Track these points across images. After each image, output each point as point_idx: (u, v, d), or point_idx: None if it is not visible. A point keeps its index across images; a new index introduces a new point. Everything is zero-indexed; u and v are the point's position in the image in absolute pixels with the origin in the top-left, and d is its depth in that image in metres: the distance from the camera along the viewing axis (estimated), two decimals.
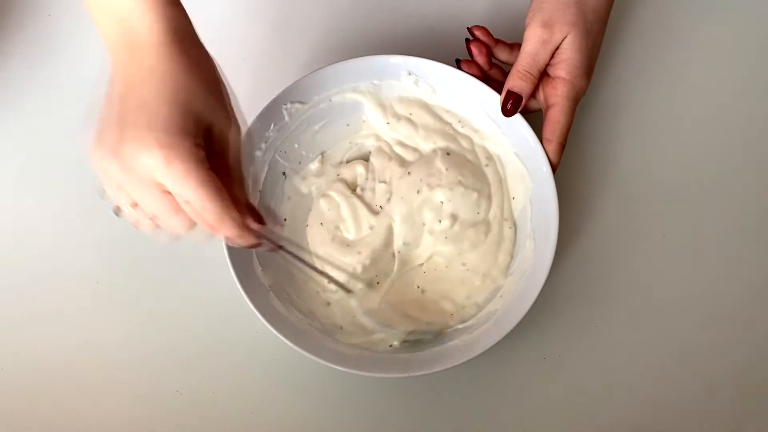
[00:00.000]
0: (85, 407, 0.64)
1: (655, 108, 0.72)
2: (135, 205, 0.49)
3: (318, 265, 0.65)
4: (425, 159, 0.66)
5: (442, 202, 0.65)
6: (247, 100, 0.68)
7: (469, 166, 0.66)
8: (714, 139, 0.71)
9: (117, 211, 0.51)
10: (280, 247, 0.56)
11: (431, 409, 0.64)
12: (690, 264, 0.68)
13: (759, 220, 0.69)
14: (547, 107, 0.63)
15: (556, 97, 0.62)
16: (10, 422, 0.63)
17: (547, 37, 0.62)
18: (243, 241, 0.50)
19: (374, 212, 0.66)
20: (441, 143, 0.67)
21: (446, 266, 0.65)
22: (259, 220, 0.51)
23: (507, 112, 0.63)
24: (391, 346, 0.62)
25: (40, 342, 0.65)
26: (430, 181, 0.65)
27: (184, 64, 0.47)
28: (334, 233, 0.66)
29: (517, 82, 0.63)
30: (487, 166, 0.67)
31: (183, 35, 0.48)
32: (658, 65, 0.73)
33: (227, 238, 0.50)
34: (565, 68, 0.62)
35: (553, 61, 0.63)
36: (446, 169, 0.65)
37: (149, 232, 0.50)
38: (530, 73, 0.62)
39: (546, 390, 0.64)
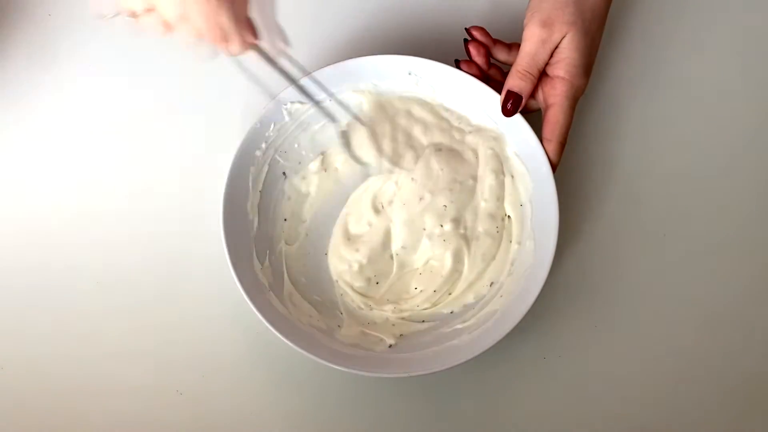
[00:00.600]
0: (85, 407, 0.63)
1: (655, 107, 0.72)
2: (151, 9, 0.51)
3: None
4: (424, 161, 0.67)
5: (446, 206, 0.65)
6: (247, 100, 0.69)
7: (459, 158, 0.67)
8: (714, 139, 0.71)
9: (132, 15, 0.52)
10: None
11: (431, 409, 0.64)
12: (690, 264, 0.68)
13: (759, 220, 0.69)
14: (547, 107, 0.63)
15: (556, 96, 0.62)
16: (10, 422, 0.63)
17: (546, 37, 0.62)
18: (238, 50, 0.54)
19: (376, 210, 0.66)
20: (437, 138, 0.67)
21: (443, 269, 0.65)
22: (255, 35, 0.55)
23: (507, 111, 0.63)
24: (390, 345, 0.62)
25: (40, 342, 0.65)
26: (432, 187, 0.65)
27: None
28: (346, 219, 0.66)
29: (516, 81, 0.63)
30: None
31: None
32: (658, 65, 0.73)
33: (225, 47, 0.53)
34: (564, 67, 0.62)
35: (552, 60, 0.63)
36: (441, 170, 0.66)
37: (158, 35, 0.52)
38: (530, 73, 0.62)
39: (546, 390, 0.64)
